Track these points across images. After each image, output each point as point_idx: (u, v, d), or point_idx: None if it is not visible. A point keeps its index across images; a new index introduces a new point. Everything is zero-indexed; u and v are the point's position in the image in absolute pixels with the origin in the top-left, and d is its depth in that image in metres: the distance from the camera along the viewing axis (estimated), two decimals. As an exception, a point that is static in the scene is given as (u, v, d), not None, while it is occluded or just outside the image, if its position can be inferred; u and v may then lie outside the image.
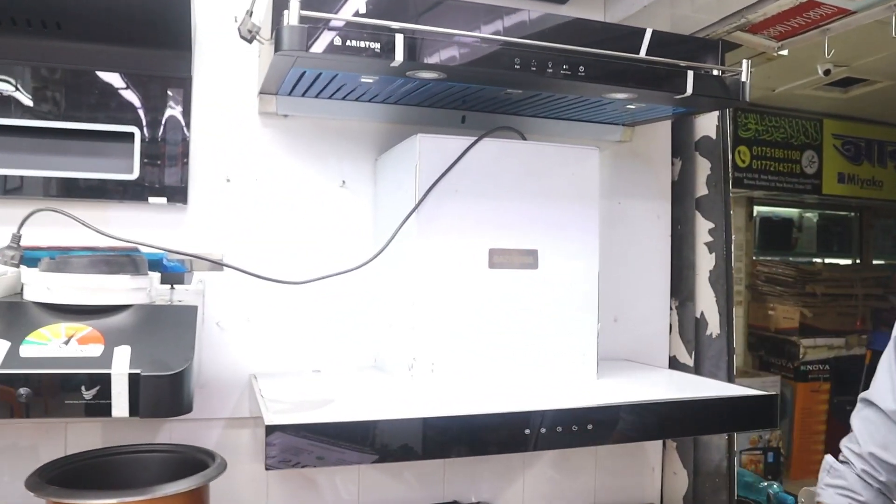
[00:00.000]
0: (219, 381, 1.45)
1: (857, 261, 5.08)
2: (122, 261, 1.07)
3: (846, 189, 4.66)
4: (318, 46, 1.05)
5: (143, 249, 1.22)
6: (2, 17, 1.22)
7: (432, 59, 1.11)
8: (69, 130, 1.32)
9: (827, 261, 4.82)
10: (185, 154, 1.40)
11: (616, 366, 1.58)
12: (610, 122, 1.64)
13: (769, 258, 4.60)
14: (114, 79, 1.34)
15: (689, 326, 1.72)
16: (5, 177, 1.29)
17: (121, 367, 0.95)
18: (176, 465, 1.27)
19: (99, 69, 1.33)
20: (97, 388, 0.94)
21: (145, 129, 1.36)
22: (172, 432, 1.45)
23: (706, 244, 1.72)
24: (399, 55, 1.07)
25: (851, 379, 4.23)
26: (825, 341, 4.23)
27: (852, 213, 5.05)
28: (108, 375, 0.94)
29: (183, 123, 1.39)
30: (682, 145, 1.77)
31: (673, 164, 1.79)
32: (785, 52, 1.70)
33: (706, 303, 1.72)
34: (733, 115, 3.69)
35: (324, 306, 1.50)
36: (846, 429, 1.31)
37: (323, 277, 1.22)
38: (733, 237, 1.73)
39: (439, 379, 1.25)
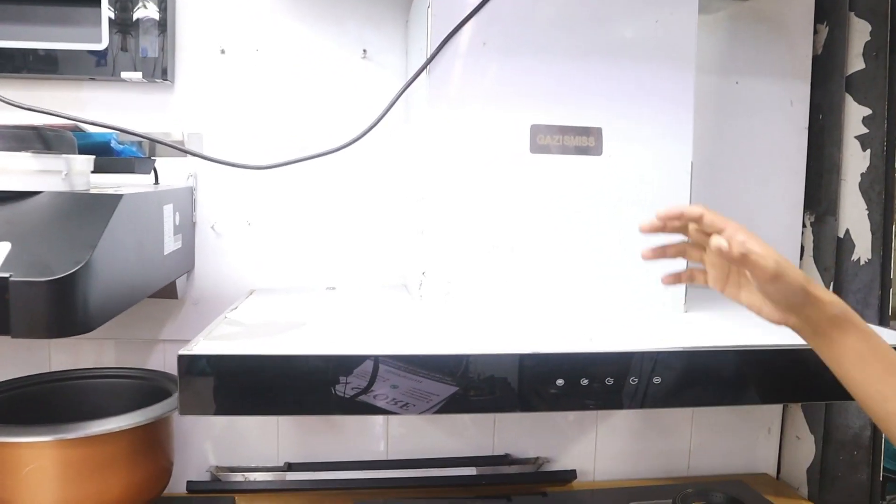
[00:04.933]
0: (216, 296, 1.21)
1: None
2: (25, 135, 0.82)
3: None
4: None
5: (87, 128, 0.98)
6: None
7: None
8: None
9: None
10: (166, 19, 1.13)
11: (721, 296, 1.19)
12: (725, -30, 1.20)
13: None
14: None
15: (828, 249, 1.29)
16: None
17: (-13, 268, 0.70)
18: (143, 395, 1.06)
19: None
20: (-42, 294, 0.70)
21: (114, -15, 1.10)
22: (166, 354, 1.23)
23: (858, 138, 1.27)
24: None
25: None
26: None
27: None
28: (-29, 279, 0.70)
29: (161, -22, 1.12)
30: (831, 5, 1.30)
31: (816, 31, 1.32)
32: None
33: (854, 218, 1.27)
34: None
35: (344, 209, 1.21)
36: None
37: (292, 161, 0.91)
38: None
39: (455, 303, 0.92)
